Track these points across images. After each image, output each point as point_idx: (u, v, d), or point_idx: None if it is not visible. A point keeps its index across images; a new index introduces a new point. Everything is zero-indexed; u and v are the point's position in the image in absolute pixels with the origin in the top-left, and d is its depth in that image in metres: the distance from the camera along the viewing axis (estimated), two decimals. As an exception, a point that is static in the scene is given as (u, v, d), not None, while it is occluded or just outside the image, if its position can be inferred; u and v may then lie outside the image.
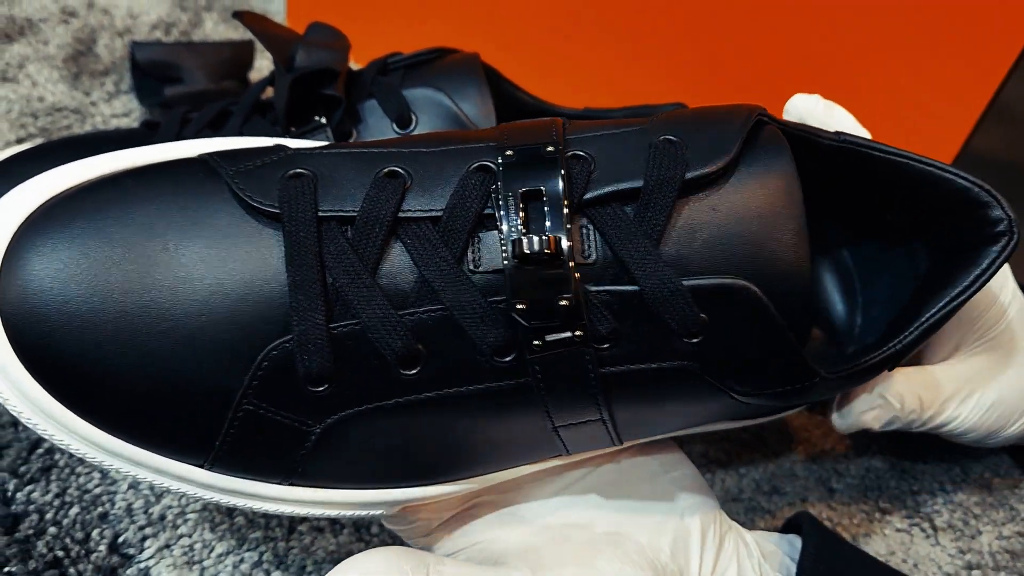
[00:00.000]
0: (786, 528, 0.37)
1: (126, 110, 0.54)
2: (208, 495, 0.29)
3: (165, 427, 0.28)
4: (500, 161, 0.28)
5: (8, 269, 0.27)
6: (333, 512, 0.31)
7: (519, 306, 0.27)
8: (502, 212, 0.28)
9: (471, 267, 0.28)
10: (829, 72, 0.47)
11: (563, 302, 0.27)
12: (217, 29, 0.61)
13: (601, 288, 0.28)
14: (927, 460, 0.45)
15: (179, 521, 0.35)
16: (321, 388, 0.28)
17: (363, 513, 0.32)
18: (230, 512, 0.36)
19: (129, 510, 0.35)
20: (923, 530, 0.41)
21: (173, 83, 0.52)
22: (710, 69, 0.49)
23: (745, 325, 0.28)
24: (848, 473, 0.43)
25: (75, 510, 0.35)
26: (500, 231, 0.27)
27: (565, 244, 0.27)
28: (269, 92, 0.43)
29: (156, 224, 0.28)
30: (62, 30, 0.58)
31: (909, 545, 0.41)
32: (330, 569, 0.35)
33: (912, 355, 0.33)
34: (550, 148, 0.29)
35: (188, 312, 0.27)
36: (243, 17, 0.39)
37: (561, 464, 0.34)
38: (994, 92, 0.44)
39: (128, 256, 0.27)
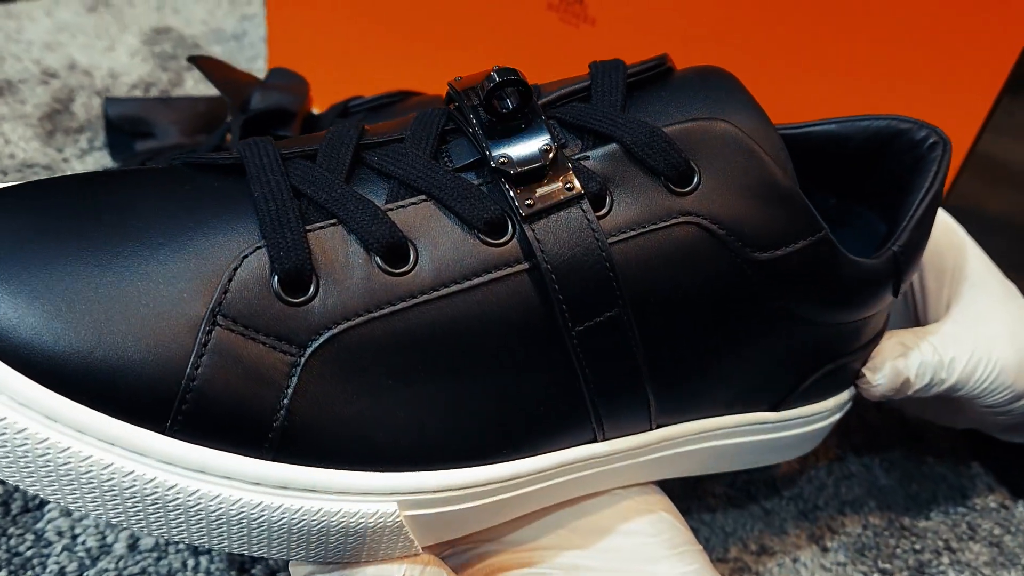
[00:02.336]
0: None
1: (99, 166, 0.53)
2: (171, 479, 0.23)
3: (119, 375, 0.23)
4: (454, 81, 0.29)
5: None
6: (333, 506, 0.25)
7: (500, 160, 0.27)
8: (464, 99, 0.28)
9: (445, 168, 0.27)
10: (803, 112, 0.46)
11: (543, 146, 0.27)
12: (198, 87, 0.61)
13: (581, 155, 0.28)
14: (930, 517, 0.42)
15: (114, 586, 0.33)
16: (302, 296, 0.25)
17: (371, 507, 0.26)
18: (169, 574, 0.34)
19: (61, 574, 0.33)
20: (927, 592, 0.38)
21: (145, 138, 0.51)
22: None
23: (730, 161, 0.28)
24: (843, 530, 0.40)
25: (3, 574, 0.33)
26: (464, 121, 0.28)
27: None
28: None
29: (106, 183, 0.27)
30: (41, 90, 0.58)
31: (912, 609, 0.37)
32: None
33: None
34: (499, 68, 0.29)
35: (144, 243, 0.25)
36: (198, 61, 0.38)
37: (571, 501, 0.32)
38: (970, 144, 0.43)
39: (74, 203, 0.25)
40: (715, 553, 0.39)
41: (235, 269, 0.24)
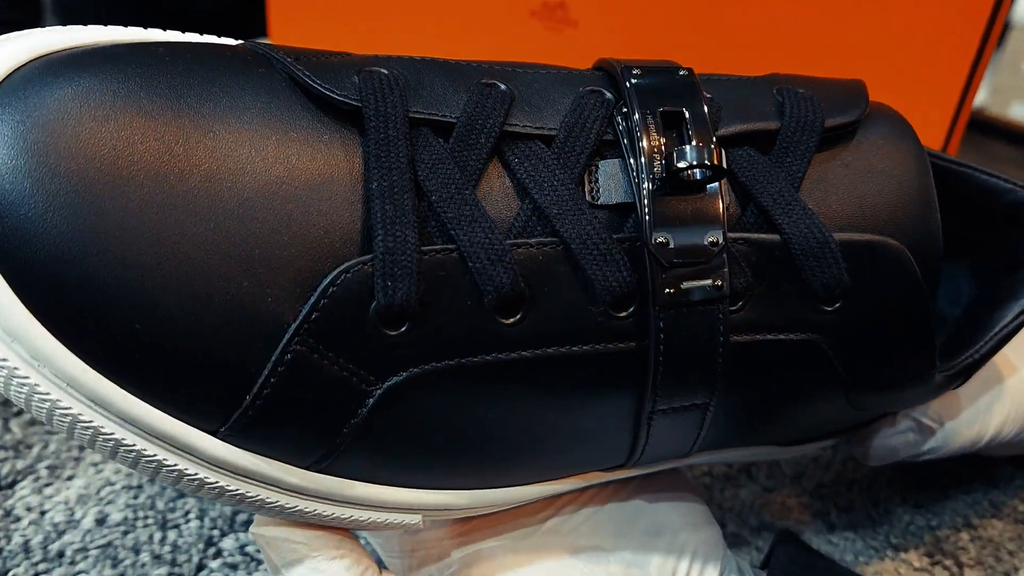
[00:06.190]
0: (771, 554, 0.32)
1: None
2: (213, 478, 0.22)
3: (183, 371, 0.21)
4: (630, 77, 0.25)
5: None
6: (363, 514, 0.25)
7: (659, 239, 0.23)
8: (638, 131, 0.24)
9: (588, 199, 0.23)
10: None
11: (711, 239, 0.23)
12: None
13: (739, 235, 0.24)
14: (947, 494, 0.39)
15: (78, 558, 0.32)
16: (399, 330, 0.22)
17: (398, 517, 0.25)
18: (136, 549, 0.33)
19: (26, 547, 0.32)
20: (947, 568, 0.35)
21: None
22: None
23: (886, 291, 0.25)
24: (851, 507, 0.38)
25: (-34, 545, 0.32)
26: (630, 155, 0.24)
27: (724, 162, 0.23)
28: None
29: (194, 95, 0.22)
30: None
31: (929, 584, 0.35)
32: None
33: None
34: (683, 72, 0.25)
35: (234, 211, 0.21)
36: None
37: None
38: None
39: (157, 129, 0.21)
40: (711, 528, 0.36)
41: (333, 287, 0.21)
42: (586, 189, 0.24)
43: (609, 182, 0.24)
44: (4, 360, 0.20)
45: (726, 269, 0.23)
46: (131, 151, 0.20)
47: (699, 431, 0.26)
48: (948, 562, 0.36)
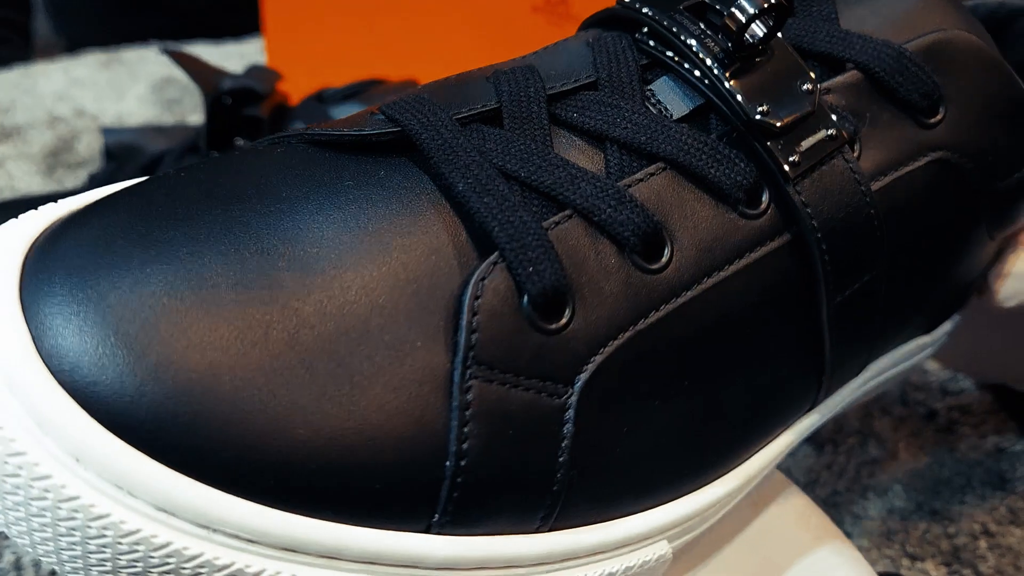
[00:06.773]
0: None
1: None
2: None
3: (366, 469, 0.18)
4: None
5: (31, 312, 0.17)
6: (612, 565, 0.22)
7: (760, 109, 0.22)
8: (675, 28, 0.22)
9: (675, 122, 0.23)
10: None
11: (804, 87, 0.22)
12: (202, 127, 0.62)
13: (819, 87, 0.23)
14: (964, 500, 0.38)
15: (71, 576, 0.31)
16: (562, 320, 0.20)
17: (648, 552, 0.22)
18: (131, 565, 0.32)
19: (17, 565, 0.31)
20: (965, 578, 0.34)
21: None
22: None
23: (976, 79, 0.25)
24: (865, 515, 0.37)
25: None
26: (678, 56, 0.23)
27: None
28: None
29: (235, 188, 0.20)
30: (49, 133, 0.60)
31: (948, 595, 0.34)
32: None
33: None
34: None
35: (329, 280, 0.19)
36: (172, 53, 0.39)
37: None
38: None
39: (215, 232, 0.19)
40: (723, 539, 0.36)
41: (477, 297, 0.19)
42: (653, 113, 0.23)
43: (670, 96, 0.23)
44: (137, 531, 0.16)
45: (832, 115, 0.23)
46: (198, 270, 0.18)
47: (875, 324, 0.25)
48: (966, 571, 0.35)
